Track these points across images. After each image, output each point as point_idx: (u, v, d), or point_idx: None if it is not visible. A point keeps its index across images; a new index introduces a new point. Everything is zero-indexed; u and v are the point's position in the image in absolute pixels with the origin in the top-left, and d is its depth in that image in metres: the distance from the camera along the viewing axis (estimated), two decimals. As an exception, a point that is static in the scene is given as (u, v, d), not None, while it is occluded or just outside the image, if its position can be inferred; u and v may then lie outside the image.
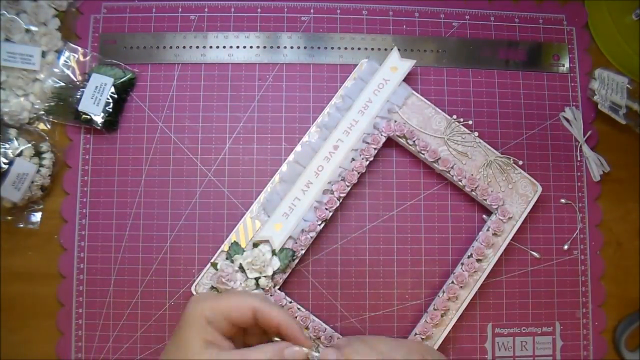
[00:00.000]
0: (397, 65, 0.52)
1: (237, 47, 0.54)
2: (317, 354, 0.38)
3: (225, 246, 0.48)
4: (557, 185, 0.53)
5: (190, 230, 0.51)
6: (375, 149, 0.50)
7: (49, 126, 0.51)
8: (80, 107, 0.50)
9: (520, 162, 0.51)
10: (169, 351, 0.37)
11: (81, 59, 0.52)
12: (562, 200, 0.53)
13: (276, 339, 0.39)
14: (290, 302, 0.48)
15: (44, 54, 0.51)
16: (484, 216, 0.52)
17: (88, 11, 0.54)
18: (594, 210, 0.54)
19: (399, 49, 0.52)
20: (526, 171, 0.51)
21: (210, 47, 0.53)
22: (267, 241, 0.48)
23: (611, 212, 0.54)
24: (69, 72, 0.51)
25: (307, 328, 0.48)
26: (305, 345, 0.38)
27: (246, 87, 0.53)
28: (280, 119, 0.53)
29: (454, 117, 0.51)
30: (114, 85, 0.51)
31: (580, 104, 0.55)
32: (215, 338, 0.36)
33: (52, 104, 0.51)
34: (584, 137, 0.54)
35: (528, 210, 0.50)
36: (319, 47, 0.54)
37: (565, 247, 0.53)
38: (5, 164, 0.47)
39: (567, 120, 0.54)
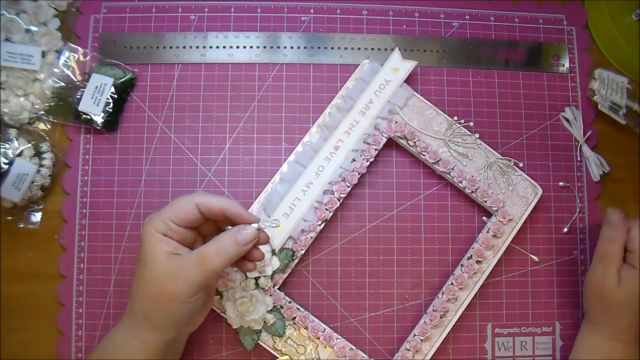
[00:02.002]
0: (399, 66, 0.51)
1: (237, 47, 0.54)
2: (265, 223, 0.40)
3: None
4: (557, 185, 0.53)
5: (190, 231, 0.51)
6: (376, 149, 0.50)
7: (49, 126, 0.51)
8: (80, 107, 0.50)
9: (521, 164, 0.51)
10: (139, 274, 0.39)
11: (81, 59, 0.52)
12: (561, 183, 0.53)
13: (228, 227, 0.40)
14: (290, 302, 0.48)
15: (44, 54, 0.51)
16: (484, 217, 0.52)
17: (88, 11, 0.53)
18: (593, 210, 0.54)
19: (399, 49, 0.52)
20: (526, 171, 0.51)
21: (210, 47, 0.53)
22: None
23: (611, 212, 0.54)
24: (69, 72, 0.51)
25: (306, 328, 0.48)
26: (251, 221, 0.39)
27: (246, 87, 0.53)
28: (280, 119, 0.53)
29: (455, 118, 0.51)
30: (114, 85, 0.51)
31: (580, 104, 0.55)
32: (174, 247, 0.38)
33: (52, 104, 0.51)
34: (584, 137, 0.54)
35: (528, 212, 0.50)
36: (319, 47, 0.54)
37: (566, 244, 0.53)
38: (5, 164, 0.47)
39: (567, 120, 0.54)
